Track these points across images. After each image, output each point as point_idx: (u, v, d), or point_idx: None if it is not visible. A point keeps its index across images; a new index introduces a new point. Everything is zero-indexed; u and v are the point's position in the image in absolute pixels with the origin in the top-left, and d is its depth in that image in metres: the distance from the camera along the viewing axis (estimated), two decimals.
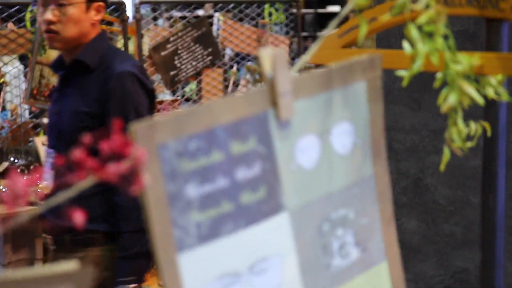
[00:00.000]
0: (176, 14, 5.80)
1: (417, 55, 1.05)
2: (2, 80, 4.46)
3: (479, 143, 1.26)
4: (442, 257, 1.67)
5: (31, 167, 4.08)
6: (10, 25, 4.32)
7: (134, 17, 4.58)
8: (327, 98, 1.03)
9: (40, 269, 0.84)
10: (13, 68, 4.76)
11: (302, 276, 1.02)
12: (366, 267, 1.09)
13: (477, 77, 1.10)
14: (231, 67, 5.50)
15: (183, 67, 4.82)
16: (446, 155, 1.14)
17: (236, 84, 5.57)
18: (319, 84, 1.03)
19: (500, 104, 1.21)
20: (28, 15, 4.52)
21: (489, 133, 1.21)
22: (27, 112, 4.52)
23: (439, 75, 1.07)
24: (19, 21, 4.50)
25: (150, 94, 2.45)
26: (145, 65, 4.71)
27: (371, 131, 1.08)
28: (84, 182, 0.81)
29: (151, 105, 2.45)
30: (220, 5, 5.18)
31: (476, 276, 1.47)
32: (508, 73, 1.10)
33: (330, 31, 1.12)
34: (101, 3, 2.49)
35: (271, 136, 0.98)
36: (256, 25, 5.24)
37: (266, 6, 5.76)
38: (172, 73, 4.77)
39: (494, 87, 1.09)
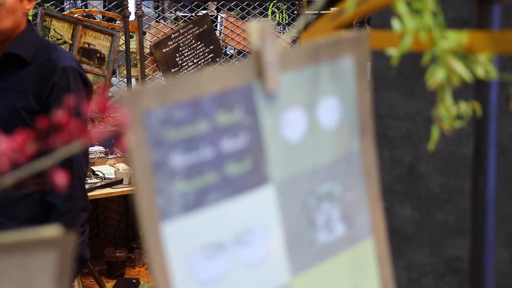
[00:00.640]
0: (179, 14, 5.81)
1: (405, 32, 1.05)
2: None
3: (472, 130, 1.26)
4: (435, 245, 1.67)
5: None
6: None
7: (135, 13, 4.59)
8: (314, 72, 1.03)
9: (22, 235, 0.84)
10: None
11: (287, 250, 1.01)
12: (351, 243, 1.09)
13: (466, 56, 1.10)
14: None
15: (184, 64, 4.83)
16: (435, 134, 1.14)
17: None
18: (306, 57, 1.02)
19: (490, 85, 1.21)
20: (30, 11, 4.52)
21: (479, 113, 1.21)
22: None
23: (427, 52, 1.07)
24: None
25: (89, 89, 2.40)
26: (146, 62, 4.72)
27: (358, 108, 1.08)
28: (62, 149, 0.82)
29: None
30: (222, 2, 5.18)
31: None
32: (498, 50, 1.10)
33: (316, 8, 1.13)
34: None
35: (257, 108, 0.98)
36: None
37: (270, 6, 5.77)
38: (173, 70, 4.78)
39: (483, 65, 1.08)
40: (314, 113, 1.04)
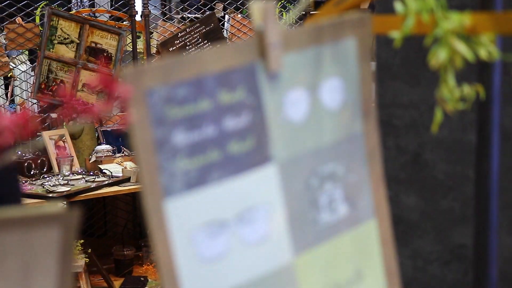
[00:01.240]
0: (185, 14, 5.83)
1: (407, 13, 1.05)
2: (10, 74, 4.49)
3: (476, 114, 1.26)
4: (440, 233, 1.66)
5: (39, 161, 4.10)
6: (18, 20, 4.35)
7: (142, 13, 4.60)
8: (316, 52, 1.03)
9: (26, 210, 0.85)
10: (21, 62, 4.80)
11: (290, 229, 1.02)
12: (354, 223, 1.09)
13: (468, 37, 1.10)
14: None
15: None
16: (438, 116, 1.14)
17: None
18: (309, 38, 1.03)
19: (494, 68, 1.21)
20: (38, 10, 4.55)
21: (482, 95, 1.21)
22: (36, 107, 4.54)
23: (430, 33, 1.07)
24: (27, 16, 4.54)
25: None
26: (153, 61, 4.73)
27: (361, 89, 1.09)
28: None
29: None
30: (229, 1, 5.19)
31: None
32: (500, 31, 1.10)
33: None
34: None
35: (259, 88, 0.98)
36: None
37: (277, 5, 5.78)
38: None
39: (485, 46, 1.08)
40: (316, 93, 1.04)
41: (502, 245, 1.56)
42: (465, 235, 1.61)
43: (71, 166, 4.11)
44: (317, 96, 1.04)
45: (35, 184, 3.91)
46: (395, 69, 1.70)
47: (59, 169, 4.05)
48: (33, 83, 4.33)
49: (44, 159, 4.11)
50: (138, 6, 4.67)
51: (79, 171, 4.13)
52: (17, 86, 4.85)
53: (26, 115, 0.81)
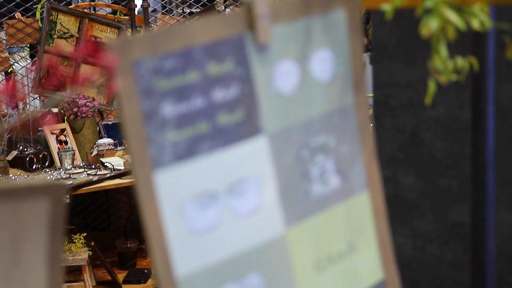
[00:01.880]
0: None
1: None
2: (10, 69, 4.49)
3: (470, 87, 1.25)
4: (439, 212, 1.66)
5: (40, 155, 4.10)
6: (18, 15, 4.35)
7: (142, 6, 4.59)
8: (306, 24, 1.03)
9: (14, 183, 0.84)
10: (21, 58, 4.80)
11: (281, 201, 1.01)
12: (346, 196, 1.09)
13: (460, 7, 1.09)
14: None
15: None
16: (431, 87, 1.13)
17: None
18: (298, 9, 1.02)
19: (487, 39, 1.20)
20: (39, 5, 4.55)
21: (476, 68, 1.20)
22: (37, 102, 4.54)
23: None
24: (27, 11, 4.54)
25: None
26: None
27: (352, 61, 1.08)
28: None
29: None
30: None
31: None
32: (492, 0, 1.09)
33: None
34: None
35: (248, 59, 0.98)
36: None
37: None
38: None
39: (478, 16, 1.08)
40: (306, 65, 1.03)
41: (501, 222, 1.55)
42: (464, 213, 1.60)
43: (73, 160, 4.11)
44: (307, 68, 1.04)
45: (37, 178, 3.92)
46: (391, 49, 1.69)
47: (60, 163, 4.05)
48: (34, 78, 4.33)
49: (46, 153, 4.11)
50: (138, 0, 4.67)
51: (81, 165, 4.13)
52: (17, 81, 4.85)
53: (13, 84, 0.80)
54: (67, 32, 4.45)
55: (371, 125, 1.12)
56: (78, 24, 4.47)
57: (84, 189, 3.85)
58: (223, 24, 0.96)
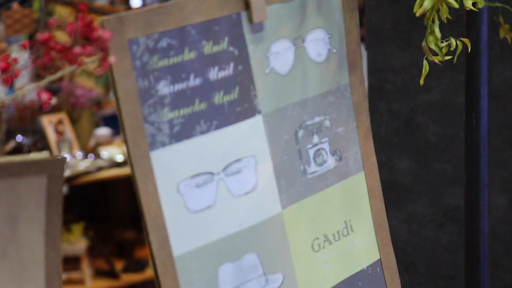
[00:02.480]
0: None
1: None
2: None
3: (464, 68, 1.26)
4: (434, 196, 1.67)
5: (38, 146, 4.10)
6: (15, 5, 4.35)
7: None
8: (301, 4, 1.03)
9: (10, 158, 0.85)
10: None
11: (277, 181, 1.02)
12: (343, 176, 1.10)
13: None
14: None
15: None
16: (425, 68, 1.15)
17: None
18: None
19: (481, 20, 1.20)
20: None
21: (469, 49, 1.21)
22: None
23: None
24: (24, 2, 4.53)
25: None
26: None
27: (347, 41, 1.09)
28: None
29: None
30: None
31: None
32: None
33: None
34: None
35: (244, 39, 0.99)
36: None
37: None
38: None
39: None
40: (302, 45, 1.04)
41: (495, 205, 1.56)
42: (459, 196, 1.61)
43: (71, 150, 4.12)
44: (302, 47, 1.04)
45: None
46: (386, 34, 1.70)
47: (58, 153, 4.05)
48: (31, 68, 4.33)
49: (44, 143, 4.12)
50: None
51: (79, 154, 4.14)
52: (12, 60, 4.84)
53: (6, 59, 0.81)
54: (65, 23, 4.44)
55: (367, 104, 1.13)
56: (75, 15, 4.46)
57: (83, 179, 3.86)
58: (219, 3, 0.96)
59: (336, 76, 1.08)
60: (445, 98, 1.62)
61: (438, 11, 1.11)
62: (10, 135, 4.20)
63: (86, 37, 0.82)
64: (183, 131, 0.94)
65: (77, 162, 4.03)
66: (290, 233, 1.04)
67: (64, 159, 0.86)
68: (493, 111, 1.39)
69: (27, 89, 0.91)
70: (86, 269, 3.98)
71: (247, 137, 1.00)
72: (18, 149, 4.04)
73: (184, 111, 0.94)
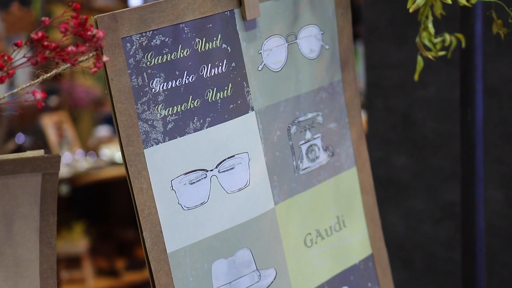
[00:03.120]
0: None
1: None
2: None
3: (459, 63, 1.26)
4: (431, 192, 1.67)
5: (38, 145, 4.11)
6: (15, 6, 4.36)
7: None
8: (293, 0, 1.04)
9: (6, 156, 0.85)
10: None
11: (270, 177, 1.03)
12: (335, 172, 1.10)
13: None
14: None
15: None
16: (420, 63, 1.15)
17: None
18: None
19: (476, 15, 1.21)
20: None
21: (463, 44, 1.21)
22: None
23: None
24: (24, 3, 4.54)
25: None
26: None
27: (340, 37, 1.09)
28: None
29: None
30: None
31: None
32: None
33: None
34: None
35: (237, 36, 0.99)
36: None
37: None
38: None
39: None
40: (294, 42, 1.05)
41: (492, 200, 1.56)
42: (456, 192, 1.61)
43: (72, 149, 4.13)
44: (295, 44, 1.05)
45: None
46: (382, 30, 1.70)
47: (59, 152, 4.06)
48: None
49: (44, 143, 4.13)
50: None
51: (80, 154, 4.15)
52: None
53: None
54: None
55: (359, 100, 1.13)
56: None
57: (84, 180, 3.87)
58: (212, 1, 0.97)
59: (329, 73, 1.09)
60: (441, 94, 1.63)
61: (432, 7, 1.12)
62: (10, 135, 4.21)
63: (80, 35, 0.83)
64: (177, 129, 0.94)
65: (77, 161, 4.04)
66: (283, 228, 1.04)
67: (58, 156, 0.86)
68: (490, 107, 1.40)
69: (23, 88, 0.91)
70: (87, 268, 3.99)
71: (240, 134, 1.00)
72: (18, 149, 4.05)
73: (178, 109, 0.95)
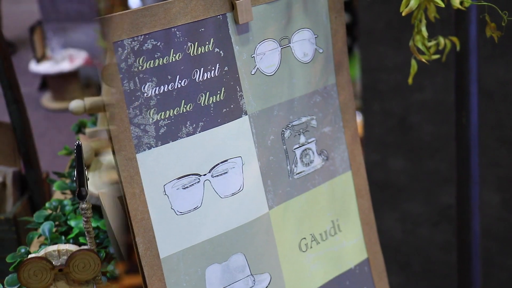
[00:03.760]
0: None
1: None
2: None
3: (454, 67, 1.26)
4: (428, 195, 1.67)
5: None
6: None
7: None
8: (286, 4, 1.03)
9: None
10: None
11: (264, 182, 1.02)
12: (330, 176, 1.10)
13: None
14: None
15: None
16: (414, 67, 1.15)
17: None
18: None
19: (470, 18, 1.20)
20: None
21: (458, 48, 1.21)
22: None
23: None
24: None
25: None
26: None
27: (333, 41, 1.09)
28: None
29: None
30: None
31: None
32: None
33: None
34: None
35: (229, 40, 0.99)
36: None
37: None
38: None
39: None
40: (288, 45, 1.04)
41: (488, 203, 1.56)
42: (453, 195, 1.61)
43: None
44: (288, 47, 1.04)
45: None
46: (379, 34, 1.70)
47: None
48: None
49: None
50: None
51: None
52: None
53: None
54: None
55: (354, 105, 1.13)
56: None
57: None
58: (204, 5, 0.96)
59: (323, 76, 1.08)
60: (438, 98, 1.63)
61: (425, 10, 1.12)
62: None
63: None
64: (169, 133, 0.94)
65: None
66: (277, 233, 1.04)
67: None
68: (486, 110, 1.39)
69: None
70: None
71: (234, 138, 1.00)
72: None
73: (170, 113, 0.94)
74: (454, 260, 1.60)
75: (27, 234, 1.25)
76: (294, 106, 1.05)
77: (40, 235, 1.22)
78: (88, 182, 1.01)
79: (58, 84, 4.16)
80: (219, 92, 0.98)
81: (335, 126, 1.10)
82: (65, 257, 0.98)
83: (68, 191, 1.39)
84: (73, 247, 1.00)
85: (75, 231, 1.20)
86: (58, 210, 1.28)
